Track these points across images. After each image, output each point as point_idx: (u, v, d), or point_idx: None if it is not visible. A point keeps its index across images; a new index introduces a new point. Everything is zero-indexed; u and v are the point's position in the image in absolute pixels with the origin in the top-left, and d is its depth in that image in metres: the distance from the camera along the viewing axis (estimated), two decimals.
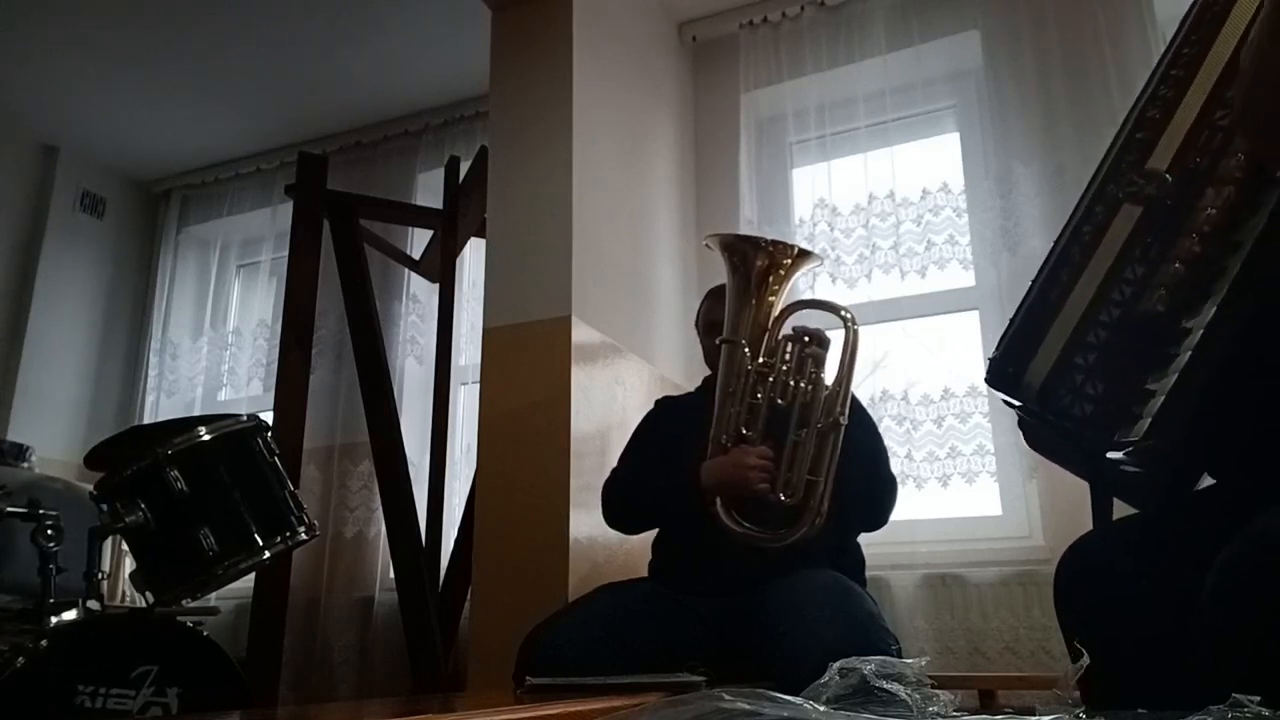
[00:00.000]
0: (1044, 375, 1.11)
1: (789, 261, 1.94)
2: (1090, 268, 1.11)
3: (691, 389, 2.30)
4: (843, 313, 1.90)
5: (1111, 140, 1.17)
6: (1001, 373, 1.17)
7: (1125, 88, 2.53)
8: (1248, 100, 0.93)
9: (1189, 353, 1.01)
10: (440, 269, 2.98)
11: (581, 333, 2.36)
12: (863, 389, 2.61)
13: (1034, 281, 1.17)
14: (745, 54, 3.07)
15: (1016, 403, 1.19)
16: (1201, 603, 0.90)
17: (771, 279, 1.93)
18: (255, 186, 4.00)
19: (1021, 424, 1.26)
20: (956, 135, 2.91)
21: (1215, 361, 1.00)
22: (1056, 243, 1.17)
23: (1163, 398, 1.01)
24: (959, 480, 2.57)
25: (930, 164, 2.89)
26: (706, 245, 2.05)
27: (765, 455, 1.80)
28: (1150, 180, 1.09)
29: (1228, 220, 1.03)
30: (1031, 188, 2.58)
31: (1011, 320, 1.18)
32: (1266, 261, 1.01)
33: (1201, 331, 1.01)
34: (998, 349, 1.18)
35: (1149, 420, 1.01)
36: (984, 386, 2.60)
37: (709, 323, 2.09)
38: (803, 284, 2.80)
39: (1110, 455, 1.07)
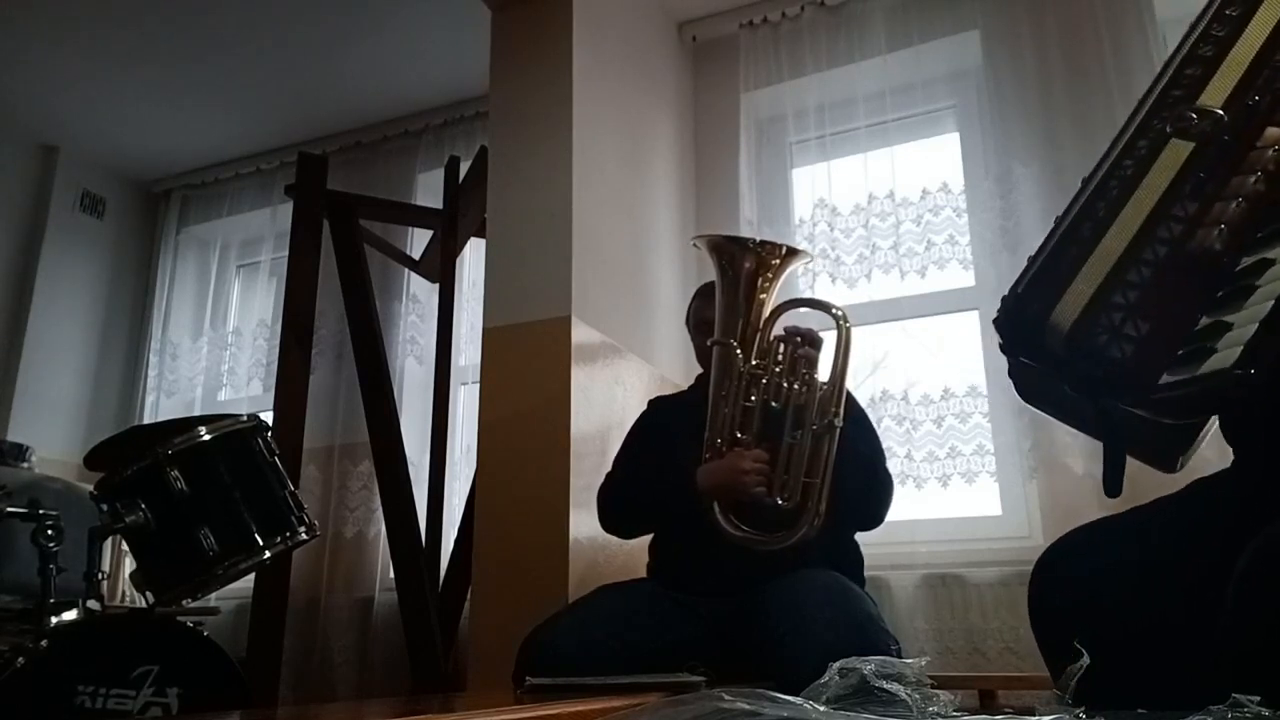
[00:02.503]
0: (1075, 315, 0.98)
1: (777, 261, 1.93)
2: (1132, 203, 1.00)
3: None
4: (834, 311, 1.88)
5: (1153, 81, 1.06)
6: (1020, 313, 1.05)
7: (1125, 88, 2.52)
8: None
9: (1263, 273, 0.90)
10: (440, 269, 2.98)
11: (581, 333, 2.36)
12: (863, 389, 2.61)
13: (1060, 220, 1.07)
14: (745, 54, 3.07)
15: (1021, 355, 1.09)
16: (1224, 600, 0.89)
17: (761, 279, 1.92)
18: (255, 186, 4.00)
19: (1012, 372, 1.15)
20: (956, 135, 2.91)
21: None
22: (1088, 180, 1.06)
23: (1253, 327, 0.88)
24: (959, 480, 2.57)
25: (930, 164, 2.89)
26: (694, 246, 2.04)
27: (761, 459, 1.79)
28: (1204, 117, 0.99)
29: None
30: (1031, 188, 2.58)
31: (1032, 260, 1.07)
32: None
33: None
34: (1016, 286, 1.06)
35: (1239, 349, 0.88)
36: (984, 386, 2.61)
37: (700, 321, 2.08)
38: (803, 284, 2.81)
39: (1150, 408, 0.96)
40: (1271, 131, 0.96)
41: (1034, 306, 1.03)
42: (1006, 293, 1.08)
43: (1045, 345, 1.03)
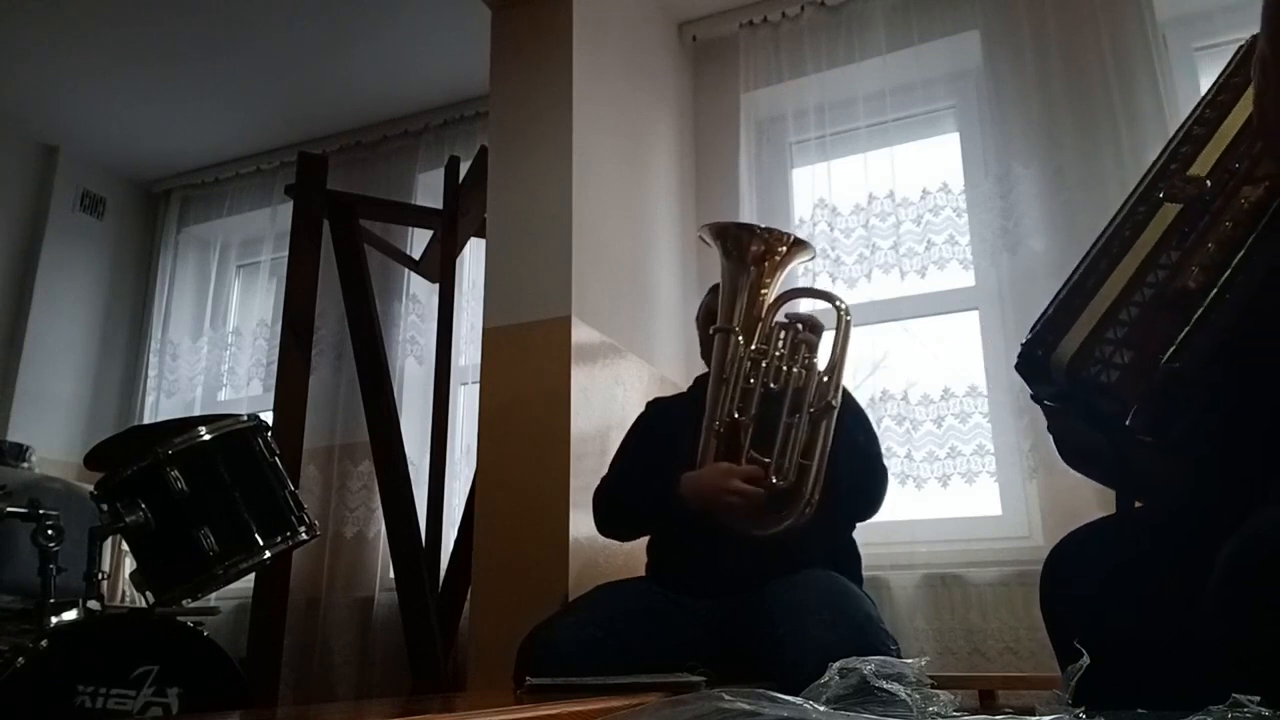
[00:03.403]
0: (1073, 351, 1.14)
1: (784, 249, 1.95)
2: (1128, 257, 1.16)
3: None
4: (836, 302, 1.90)
5: (1157, 156, 1.25)
6: (1030, 357, 1.20)
7: (1125, 88, 2.53)
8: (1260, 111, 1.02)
9: (1212, 292, 1.07)
10: (440, 269, 2.98)
11: (581, 333, 2.36)
12: (863, 389, 2.61)
13: (1071, 274, 1.22)
14: (745, 54, 3.07)
15: (1045, 398, 1.22)
16: (1205, 600, 0.90)
17: (766, 265, 1.94)
18: (255, 186, 4.00)
19: (1051, 427, 1.28)
20: (956, 135, 2.91)
21: (1237, 307, 1.05)
22: (1097, 240, 1.22)
23: (1186, 329, 1.06)
24: (959, 480, 2.57)
25: (930, 164, 2.89)
26: (700, 238, 2.05)
27: (754, 477, 1.78)
28: (1190, 183, 1.16)
29: (1261, 208, 1.09)
30: (1031, 188, 2.58)
31: (1046, 309, 1.22)
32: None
33: (1221, 281, 1.07)
34: (1029, 334, 1.21)
35: (1172, 348, 1.05)
36: (984, 386, 2.61)
37: (708, 314, 2.09)
38: (803, 283, 2.80)
39: (1132, 427, 1.08)
40: (1247, 189, 1.11)
41: (1041, 347, 1.18)
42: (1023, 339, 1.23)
43: (1052, 380, 1.18)
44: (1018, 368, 1.23)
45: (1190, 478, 1.17)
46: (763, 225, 1.99)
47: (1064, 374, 1.14)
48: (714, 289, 2.14)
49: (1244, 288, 1.05)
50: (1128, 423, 1.08)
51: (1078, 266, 1.22)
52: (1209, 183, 1.15)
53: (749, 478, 1.78)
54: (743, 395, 1.86)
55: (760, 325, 1.90)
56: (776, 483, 1.77)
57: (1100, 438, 1.17)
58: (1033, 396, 1.24)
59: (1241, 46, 1.24)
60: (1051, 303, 1.22)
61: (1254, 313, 1.06)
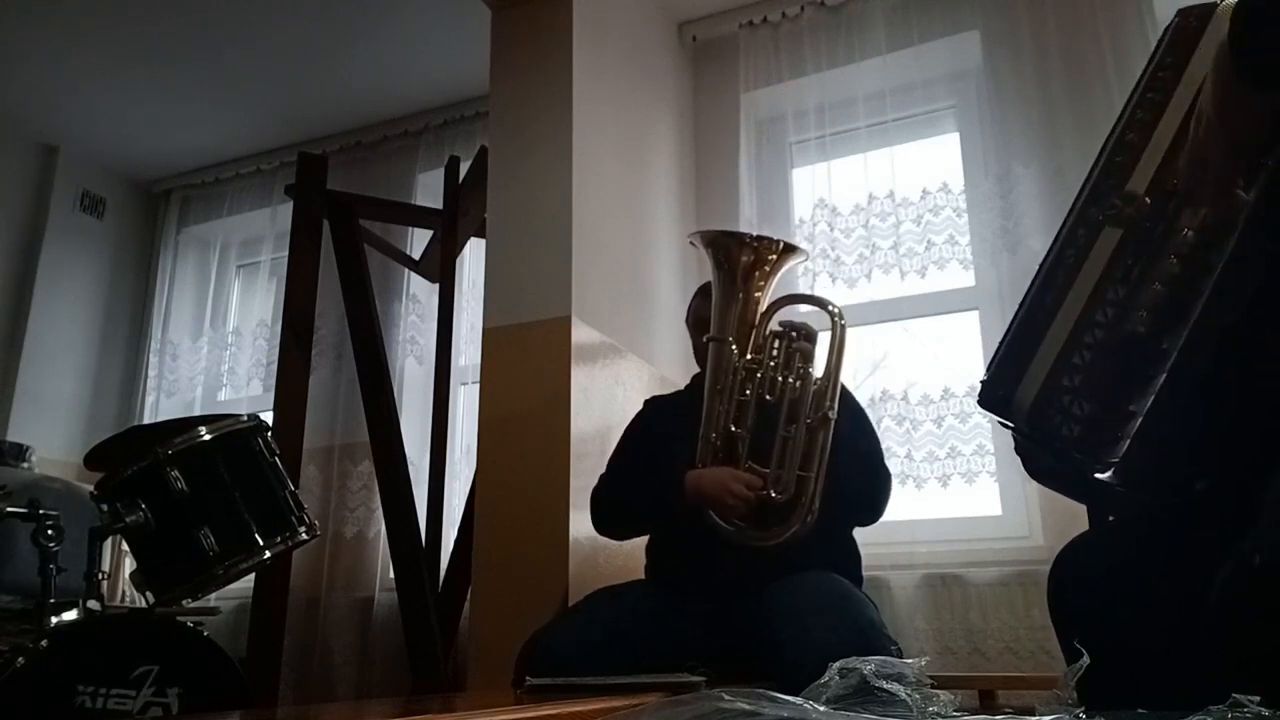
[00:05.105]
0: (1032, 397, 1.11)
1: (774, 256, 1.94)
2: (1074, 290, 1.12)
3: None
4: (830, 307, 1.89)
5: (1093, 163, 1.19)
6: (992, 396, 1.17)
7: (1125, 88, 2.50)
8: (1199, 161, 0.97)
9: (1163, 374, 1.03)
10: (440, 269, 2.98)
11: (581, 333, 2.36)
12: (863, 389, 2.61)
13: (1020, 305, 1.19)
14: (745, 54, 3.07)
15: (1010, 424, 1.20)
16: (1206, 611, 0.90)
17: (757, 274, 1.92)
18: (255, 186, 4.00)
19: (1018, 448, 1.27)
20: (956, 135, 2.91)
21: (1193, 379, 1.02)
22: (1041, 266, 1.18)
23: (1140, 419, 1.02)
24: (959, 480, 2.57)
25: (930, 164, 2.89)
26: (691, 243, 2.04)
27: (753, 485, 1.78)
28: (1129, 203, 1.10)
29: (1204, 241, 1.04)
30: (1031, 188, 2.58)
31: (1000, 344, 1.19)
32: (1239, 277, 1.02)
33: (1175, 354, 1.03)
34: (987, 372, 1.19)
35: (1127, 440, 1.02)
36: None
37: (699, 319, 2.08)
38: (803, 284, 2.81)
39: (1100, 477, 1.08)
40: (1186, 214, 1.05)
41: (999, 390, 1.15)
42: (981, 377, 1.21)
43: (1015, 425, 1.16)
44: (980, 404, 1.20)
45: (1166, 497, 1.17)
46: (752, 234, 1.98)
47: (1025, 422, 1.12)
48: (702, 290, 2.14)
49: (1200, 357, 1.02)
50: (1098, 476, 1.07)
51: (1026, 296, 1.18)
52: (1148, 200, 1.09)
53: (750, 485, 1.78)
54: (738, 407, 1.84)
55: (754, 334, 1.88)
56: (775, 496, 1.77)
57: (1070, 470, 1.16)
58: (1000, 422, 1.22)
59: (1167, 28, 1.17)
60: (1004, 338, 1.18)
61: (1225, 357, 1.03)
